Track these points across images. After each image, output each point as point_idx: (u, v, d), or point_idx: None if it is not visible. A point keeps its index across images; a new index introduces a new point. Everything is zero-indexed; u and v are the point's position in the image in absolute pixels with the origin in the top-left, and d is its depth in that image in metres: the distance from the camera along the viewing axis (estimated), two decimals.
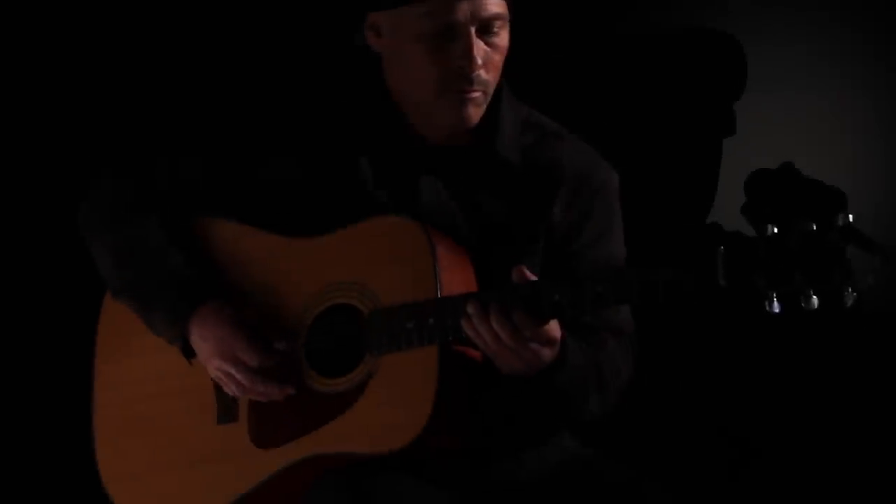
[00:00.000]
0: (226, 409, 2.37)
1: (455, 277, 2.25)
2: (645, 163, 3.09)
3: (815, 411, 3.05)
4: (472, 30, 2.28)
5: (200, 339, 2.33)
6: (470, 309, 2.15)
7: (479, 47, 2.29)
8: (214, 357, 2.31)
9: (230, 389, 2.33)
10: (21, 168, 3.21)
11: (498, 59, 2.32)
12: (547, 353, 2.18)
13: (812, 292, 1.96)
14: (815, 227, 1.97)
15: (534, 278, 2.16)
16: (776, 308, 1.99)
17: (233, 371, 2.30)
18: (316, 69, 3.11)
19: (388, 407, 2.22)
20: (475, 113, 2.32)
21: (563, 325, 2.20)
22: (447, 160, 2.38)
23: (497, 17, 2.29)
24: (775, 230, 2.00)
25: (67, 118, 3.20)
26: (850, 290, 1.95)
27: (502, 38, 2.32)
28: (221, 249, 2.42)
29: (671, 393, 3.06)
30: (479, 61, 2.28)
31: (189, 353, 2.36)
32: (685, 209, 3.08)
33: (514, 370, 2.19)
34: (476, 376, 2.25)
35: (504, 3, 2.30)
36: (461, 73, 2.29)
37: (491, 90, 2.34)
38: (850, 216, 1.96)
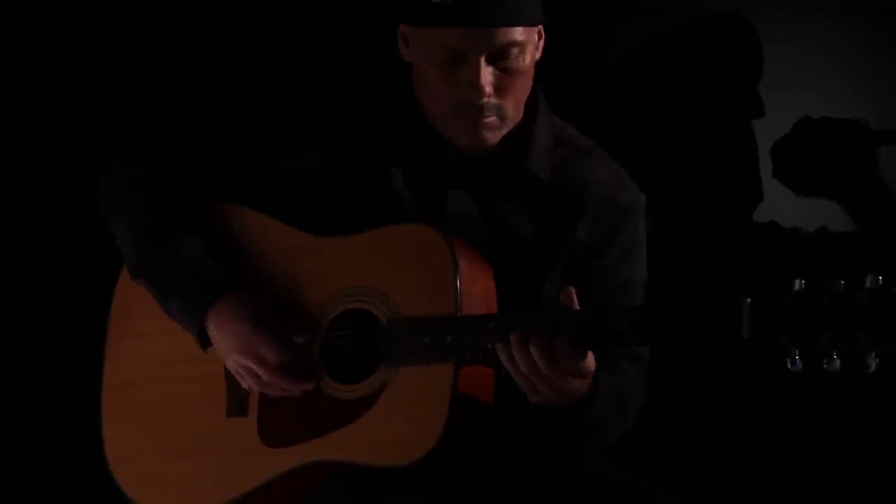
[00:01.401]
0: (237, 402, 2.37)
1: (475, 292, 2.26)
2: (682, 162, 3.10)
3: (819, 417, 3.08)
4: (482, 59, 2.25)
5: (218, 331, 2.32)
6: (513, 337, 2.14)
7: (488, 75, 2.26)
8: (233, 351, 2.30)
9: (247, 384, 2.33)
10: (42, 145, 3.17)
11: (518, 82, 2.29)
12: (579, 385, 2.18)
13: (835, 354, 1.99)
14: (843, 286, 1.99)
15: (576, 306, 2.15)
16: (798, 366, 2.02)
17: (252, 366, 2.29)
18: (354, 69, 3.08)
19: (399, 422, 2.22)
20: (491, 136, 2.32)
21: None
22: (476, 170, 2.38)
23: (511, 44, 2.25)
24: (803, 285, 2.02)
25: (90, 96, 3.16)
26: (873, 354, 1.97)
27: (521, 62, 2.27)
28: (243, 239, 2.40)
29: (674, 397, 3.08)
30: (488, 89, 2.26)
31: (205, 341, 2.35)
32: (732, 203, 3.09)
33: (543, 400, 2.19)
34: (490, 398, 2.26)
35: (523, 30, 2.26)
36: (469, 101, 2.27)
37: (510, 112, 2.31)
38: (880, 278, 1.98)
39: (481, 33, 2.22)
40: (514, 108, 2.32)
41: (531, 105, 2.37)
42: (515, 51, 2.26)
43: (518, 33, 2.26)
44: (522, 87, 2.31)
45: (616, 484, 2.34)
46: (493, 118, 2.30)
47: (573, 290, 2.15)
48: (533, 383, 2.15)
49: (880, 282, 1.96)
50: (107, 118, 3.13)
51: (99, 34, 3.12)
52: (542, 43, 2.34)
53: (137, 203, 2.40)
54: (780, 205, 3.04)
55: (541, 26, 2.33)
